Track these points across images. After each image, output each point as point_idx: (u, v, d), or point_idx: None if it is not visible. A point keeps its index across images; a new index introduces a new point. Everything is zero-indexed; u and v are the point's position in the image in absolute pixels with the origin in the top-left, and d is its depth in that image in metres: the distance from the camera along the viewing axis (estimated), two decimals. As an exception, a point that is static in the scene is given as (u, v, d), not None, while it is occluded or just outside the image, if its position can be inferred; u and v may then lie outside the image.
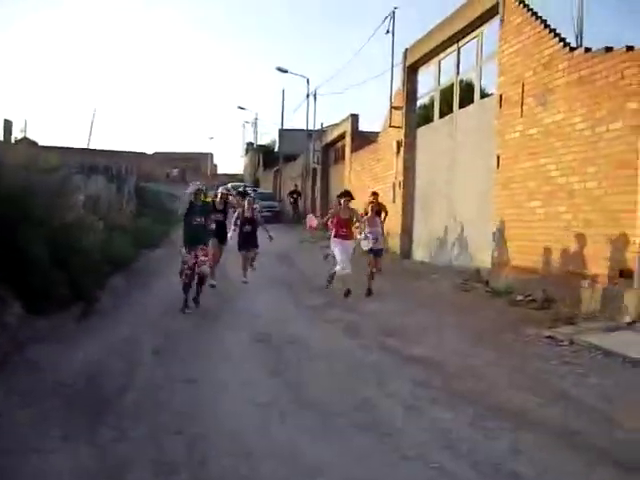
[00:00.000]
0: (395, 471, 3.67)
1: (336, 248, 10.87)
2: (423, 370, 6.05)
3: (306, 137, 32.53)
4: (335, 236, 11.02)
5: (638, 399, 5.32)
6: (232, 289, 11.36)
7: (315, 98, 30.93)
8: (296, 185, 33.66)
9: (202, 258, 9.27)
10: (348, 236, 11.05)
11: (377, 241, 11.34)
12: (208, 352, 6.78)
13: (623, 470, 3.82)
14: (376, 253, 11.32)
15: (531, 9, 10.74)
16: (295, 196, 32.45)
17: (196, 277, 9.26)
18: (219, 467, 3.79)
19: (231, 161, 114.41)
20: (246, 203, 12.22)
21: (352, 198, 11.30)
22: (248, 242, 11.83)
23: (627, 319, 8.01)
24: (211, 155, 74.56)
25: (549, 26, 10.23)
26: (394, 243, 17.72)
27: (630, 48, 8.31)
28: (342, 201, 11.25)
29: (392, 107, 17.71)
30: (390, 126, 17.80)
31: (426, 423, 4.54)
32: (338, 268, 10.70)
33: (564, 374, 6.15)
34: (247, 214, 11.92)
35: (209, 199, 10.57)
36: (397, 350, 6.85)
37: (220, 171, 74.30)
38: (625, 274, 8.20)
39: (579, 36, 9.79)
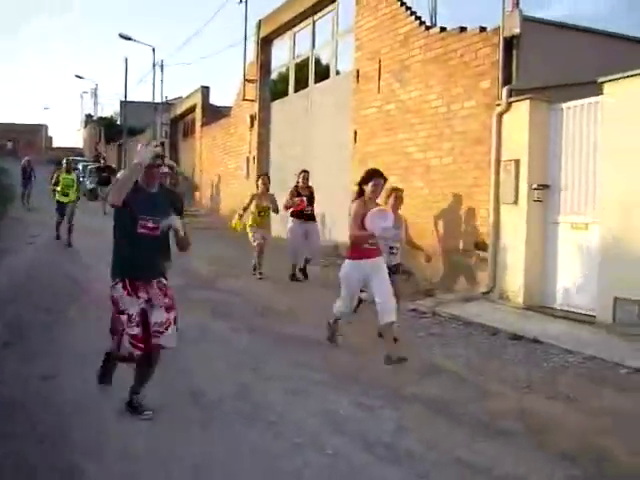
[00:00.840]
0: (289, 462, 3.46)
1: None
2: (299, 350, 5.89)
3: (152, 110, 31.14)
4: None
5: (500, 367, 5.53)
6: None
7: (162, 69, 29.63)
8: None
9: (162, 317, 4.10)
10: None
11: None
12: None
13: (502, 437, 3.90)
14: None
15: (387, -14, 10.83)
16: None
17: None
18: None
19: (68, 134, 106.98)
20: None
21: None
22: None
23: (482, 289, 8.40)
24: (46, 127, 69.71)
25: (405, 4, 10.37)
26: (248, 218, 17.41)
27: (483, 29, 8.60)
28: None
29: (245, 80, 17.32)
30: (244, 99, 17.41)
31: (311, 406, 4.37)
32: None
33: (431, 345, 6.30)
34: None
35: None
36: (271, 330, 6.65)
37: (56, 144, 69.66)
38: (479, 246, 8.57)
39: (433, 15, 10.04)
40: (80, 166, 34.82)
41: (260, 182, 10.77)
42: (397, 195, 7.20)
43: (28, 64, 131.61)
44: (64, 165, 13.98)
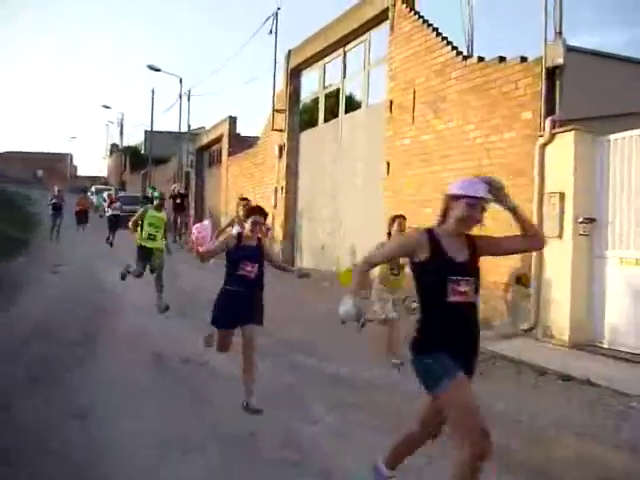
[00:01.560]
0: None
1: None
2: (341, 389, 5.66)
3: (177, 139, 31.34)
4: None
5: (554, 410, 5.24)
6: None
7: (189, 99, 29.85)
8: (177, 185, 26.74)
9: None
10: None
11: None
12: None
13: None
14: None
15: (422, 16, 10.77)
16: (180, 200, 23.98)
17: None
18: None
19: (93, 163, 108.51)
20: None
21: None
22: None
23: (524, 326, 8.10)
24: (71, 156, 70.69)
25: (440, 34, 10.28)
26: (276, 249, 17.32)
27: (524, 59, 8.45)
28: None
29: (274, 110, 17.31)
30: (273, 129, 17.38)
31: (363, 453, 4.12)
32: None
33: (477, 386, 5.99)
34: None
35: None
36: (315, 369, 6.43)
37: (81, 173, 70.60)
38: (521, 281, 8.30)
39: (470, 46, 9.91)
40: (105, 194, 35.15)
41: (395, 225, 7.27)
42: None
43: (55, 94, 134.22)
44: (156, 199, 10.15)
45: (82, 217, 22.58)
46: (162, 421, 4.69)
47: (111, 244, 18.95)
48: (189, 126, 30.70)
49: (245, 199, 8.16)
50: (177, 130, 31.79)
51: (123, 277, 9.94)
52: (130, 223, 9.72)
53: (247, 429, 4.53)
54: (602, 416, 5.10)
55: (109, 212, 21.38)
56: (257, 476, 3.76)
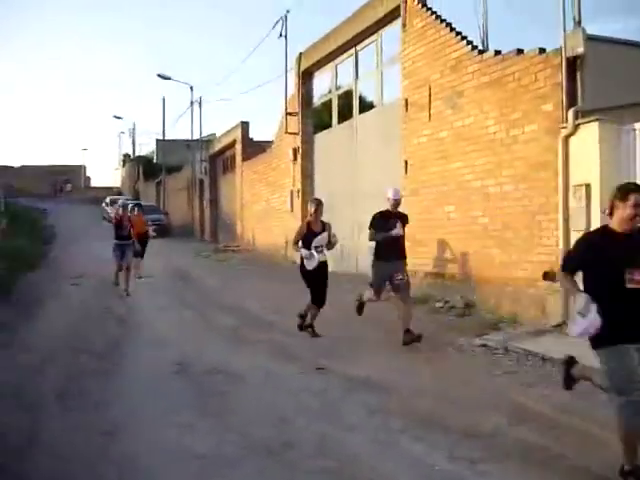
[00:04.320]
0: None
1: None
2: (373, 394, 5.53)
3: (189, 147, 31.41)
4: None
5: (595, 409, 5.07)
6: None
7: (200, 106, 29.91)
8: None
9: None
10: None
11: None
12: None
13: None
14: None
15: (434, 12, 10.64)
16: None
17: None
18: None
19: (106, 173, 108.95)
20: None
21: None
22: None
23: (553, 322, 7.94)
24: (84, 167, 71.13)
25: (454, 29, 10.15)
26: (295, 253, 17.22)
27: (542, 50, 8.30)
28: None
29: (287, 113, 17.25)
30: (286, 132, 17.31)
31: (403, 461, 4.01)
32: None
33: (512, 386, 5.88)
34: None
35: None
36: (340, 372, 6.31)
37: (94, 184, 70.99)
38: (548, 276, 8.12)
39: (485, 40, 9.76)
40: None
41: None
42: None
43: (65, 107, 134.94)
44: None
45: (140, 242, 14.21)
46: (192, 435, 4.60)
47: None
48: (201, 133, 30.77)
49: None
50: (189, 138, 31.87)
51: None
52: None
53: (280, 439, 4.43)
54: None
55: None
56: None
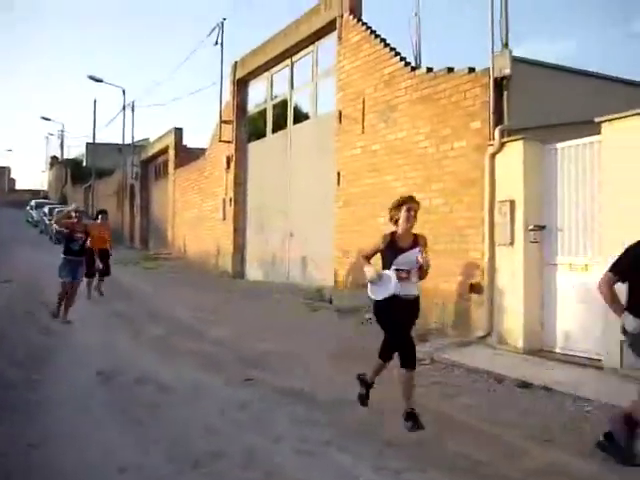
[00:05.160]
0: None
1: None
2: (301, 405, 5.53)
3: (121, 152, 30.75)
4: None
5: (517, 418, 5.24)
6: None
7: (133, 110, 29.31)
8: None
9: None
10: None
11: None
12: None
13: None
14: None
15: (370, 27, 10.82)
16: None
17: None
18: None
19: (32, 176, 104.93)
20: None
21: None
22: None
23: (479, 333, 8.15)
24: (8, 169, 68.58)
25: (389, 45, 10.34)
26: (225, 262, 17.12)
27: (472, 69, 8.55)
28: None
29: (222, 121, 17.12)
30: (220, 140, 17.19)
31: (328, 471, 4.01)
32: None
33: (438, 396, 5.99)
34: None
35: None
36: (268, 383, 6.27)
37: (19, 186, 68.50)
38: (474, 289, 8.36)
39: (418, 57, 9.98)
40: (46, 209, 34.18)
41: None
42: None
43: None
44: None
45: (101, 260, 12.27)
46: (118, 445, 4.48)
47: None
48: (133, 138, 30.18)
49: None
50: (121, 142, 31.21)
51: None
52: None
53: (208, 449, 4.37)
54: (562, 422, 5.12)
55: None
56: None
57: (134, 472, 4.00)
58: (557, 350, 7.45)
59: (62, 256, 9.97)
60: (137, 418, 5.18)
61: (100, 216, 13.11)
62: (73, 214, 10.52)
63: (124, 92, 30.67)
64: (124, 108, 30.23)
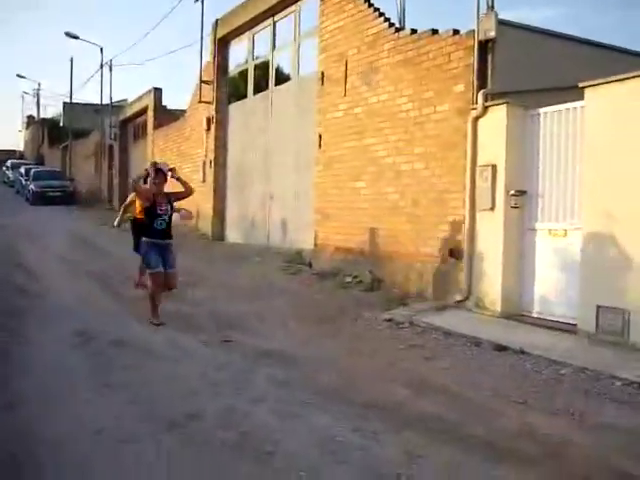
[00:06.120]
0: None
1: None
2: (279, 367, 5.54)
3: (98, 112, 30.19)
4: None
5: (493, 381, 5.30)
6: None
7: (111, 69, 28.71)
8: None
9: None
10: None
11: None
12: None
13: (519, 463, 3.64)
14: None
15: (353, -14, 10.59)
16: None
17: None
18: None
19: (7, 135, 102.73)
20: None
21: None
22: None
23: (457, 297, 8.20)
24: (-17, 128, 67.09)
25: (372, 5, 10.14)
26: (205, 225, 16.99)
27: (456, 31, 8.43)
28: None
29: (202, 81, 16.81)
30: (200, 101, 16.90)
31: (305, 432, 4.03)
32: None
33: (416, 359, 6.04)
34: None
35: None
36: (246, 344, 6.27)
37: (-6, 146, 67.10)
38: (454, 253, 8.37)
39: (402, 18, 9.81)
40: (23, 169, 33.62)
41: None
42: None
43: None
44: None
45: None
46: (94, 409, 4.46)
47: None
48: (111, 98, 29.61)
49: None
50: (99, 102, 30.64)
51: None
52: None
53: (184, 411, 4.36)
54: (537, 384, 5.19)
55: None
56: (192, 461, 3.60)
57: (107, 433, 3.98)
58: (534, 314, 7.52)
59: (143, 239, 7.47)
60: (115, 380, 5.15)
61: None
62: (151, 172, 7.44)
63: (102, 50, 30.00)
64: (102, 67, 29.64)
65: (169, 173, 7.63)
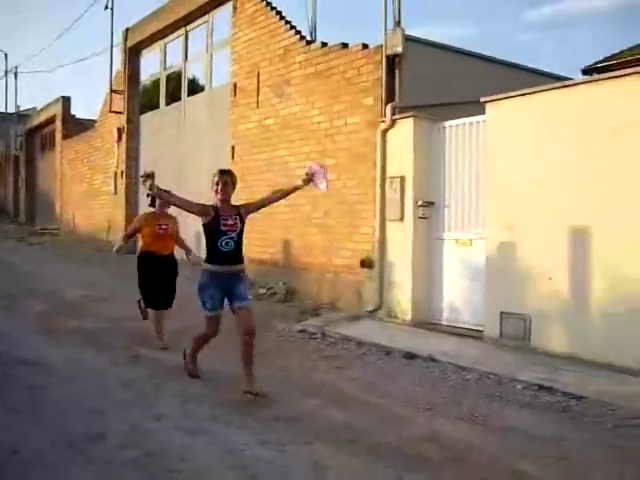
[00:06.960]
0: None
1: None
2: (187, 382, 5.43)
3: (2, 120, 28.87)
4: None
5: (402, 388, 5.39)
6: None
7: (16, 76, 27.56)
8: None
9: None
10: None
11: None
12: None
13: (425, 468, 3.70)
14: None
15: (265, -1, 10.63)
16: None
17: None
18: None
19: None
20: None
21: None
22: None
23: (369, 307, 8.31)
24: None
25: (284, 18, 10.21)
26: (116, 237, 16.48)
27: (365, 46, 8.60)
28: None
29: (112, 90, 16.40)
30: (110, 111, 16.47)
31: (214, 447, 3.95)
32: None
33: (328, 369, 6.06)
34: None
35: None
36: (155, 360, 6.11)
37: None
38: (365, 264, 8.49)
39: (313, 31, 9.93)
40: None
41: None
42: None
43: None
44: None
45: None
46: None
47: None
48: (17, 106, 28.42)
49: None
50: (3, 110, 29.35)
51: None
52: None
53: (89, 431, 4.19)
54: (444, 391, 5.32)
55: None
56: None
57: (6, 458, 3.77)
58: (443, 322, 7.73)
59: (203, 265, 5.37)
60: (16, 401, 4.89)
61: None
62: (218, 181, 5.45)
63: (6, 56, 28.81)
64: (6, 74, 28.41)
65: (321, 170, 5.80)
